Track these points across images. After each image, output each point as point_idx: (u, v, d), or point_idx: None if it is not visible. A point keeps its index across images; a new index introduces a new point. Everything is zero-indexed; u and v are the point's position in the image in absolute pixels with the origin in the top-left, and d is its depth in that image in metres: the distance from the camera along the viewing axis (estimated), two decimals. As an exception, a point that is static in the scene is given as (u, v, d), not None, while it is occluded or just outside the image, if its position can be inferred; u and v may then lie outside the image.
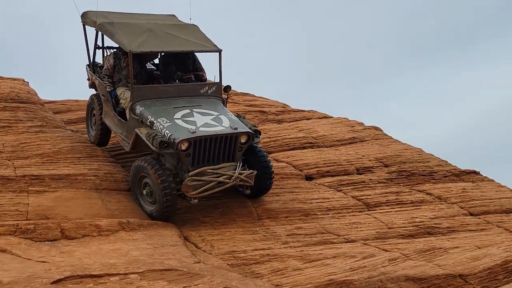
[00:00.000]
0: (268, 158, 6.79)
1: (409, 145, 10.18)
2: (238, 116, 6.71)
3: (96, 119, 7.62)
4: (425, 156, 9.59)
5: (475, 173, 9.29)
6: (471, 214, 7.58)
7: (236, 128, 6.27)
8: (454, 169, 9.24)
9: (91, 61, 7.77)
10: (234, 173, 6.23)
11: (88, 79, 7.92)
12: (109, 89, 7.10)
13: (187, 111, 6.47)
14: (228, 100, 7.24)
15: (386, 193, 7.83)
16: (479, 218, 7.49)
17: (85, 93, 8.32)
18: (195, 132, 6.04)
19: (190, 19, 7.45)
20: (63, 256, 4.88)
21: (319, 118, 10.98)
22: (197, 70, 7.44)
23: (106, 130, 7.48)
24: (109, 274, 4.52)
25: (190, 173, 6.04)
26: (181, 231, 6.07)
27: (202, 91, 6.92)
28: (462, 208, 7.69)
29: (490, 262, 5.93)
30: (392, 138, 10.50)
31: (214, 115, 6.51)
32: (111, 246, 5.23)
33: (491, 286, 5.64)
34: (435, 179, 8.67)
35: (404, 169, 8.76)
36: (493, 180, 9.23)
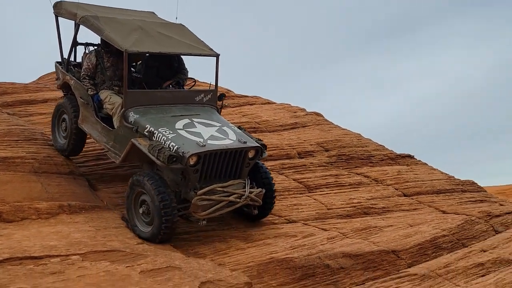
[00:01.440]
0: (271, 176, 6.24)
1: (348, 130, 10.53)
2: (239, 128, 6.17)
3: (69, 125, 6.69)
4: (364, 141, 9.95)
5: (410, 157, 9.75)
6: (404, 195, 7.96)
7: (245, 142, 5.70)
8: (390, 153, 9.65)
9: (67, 58, 6.84)
10: (244, 191, 5.69)
11: (58, 79, 7.01)
12: (92, 92, 6.28)
13: (188, 120, 5.86)
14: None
15: (326, 176, 8.08)
16: (412, 198, 7.88)
17: (24, 76, 7.80)
18: (204, 145, 5.40)
19: (176, 18, 6.84)
20: (1, 239, 4.77)
21: (262, 103, 11.13)
22: (181, 72, 6.85)
23: (82, 137, 6.68)
24: (50, 255, 4.49)
25: (200, 192, 5.38)
26: (124, 214, 6.04)
27: (198, 98, 6.32)
28: (397, 189, 8.06)
29: (421, 239, 6.29)
30: (332, 123, 10.82)
31: (217, 126, 5.93)
32: (52, 229, 5.15)
33: (421, 260, 5.99)
34: (373, 162, 9.03)
35: (344, 153, 9.06)
36: (425, 164, 9.73)
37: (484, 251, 6.34)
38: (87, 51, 6.83)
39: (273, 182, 6.20)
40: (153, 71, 6.74)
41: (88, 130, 6.40)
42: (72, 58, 6.97)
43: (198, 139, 5.46)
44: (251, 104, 10.89)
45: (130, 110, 5.85)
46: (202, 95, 6.35)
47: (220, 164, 5.55)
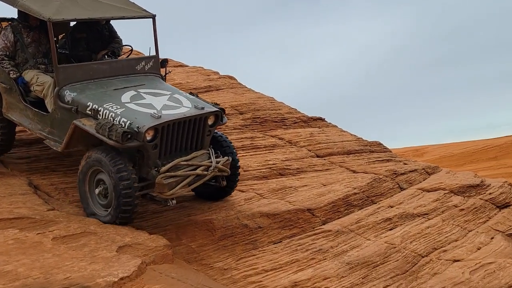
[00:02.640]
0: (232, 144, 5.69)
1: (262, 94, 10.59)
2: (191, 94, 5.65)
3: None
4: (277, 104, 10.07)
5: (321, 119, 10.02)
6: (317, 156, 8.19)
7: (203, 108, 5.15)
8: (303, 116, 9.85)
9: None
10: (211, 162, 5.13)
11: None
12: (14, 75, 5.46)
13: (133, 92, 5.23)
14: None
15: (241, 138, 8.10)
16: (324, 159, 8.13)
17: None
18: (160, 116, 4.81)
19: None
20: None
21: (174, 66, 10.86)
22: (114, 41, 6.21)
23: (11, 129, 5.79)
24: (-51, 225, 4.13)
25: (163, 169, 4.82)
26: (31, 180, 5.68)
27: (139, 67, 5.64)
28: (310, 150, 8.27)
29: (334, 197, 6.53)
30: (246, 87, 10.81)
31: (167, 94, 5.35)
32: (-51, 198, 4.75)
33: (334, 217, 6.23)
34: (286, 125, 9.18)
35: (258, 116, 9.12)
36: (336, 126, 10.06)
37: (391, 207, 6.71)
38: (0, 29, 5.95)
39: (235, 150, 5.69)
40: (81, 44, 6.03)
41: (17, 119, 5.56)
42: None
43: (151, 111, 4.90)
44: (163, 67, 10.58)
45: (65, 88, 5.13)
46: (143, 63, 5.69)
47: (180, 135, 5.01)
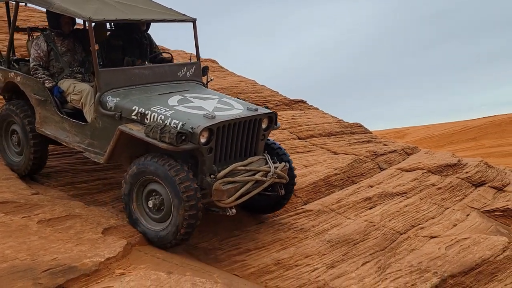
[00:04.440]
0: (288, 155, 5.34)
1: (244, 77, 10.65)
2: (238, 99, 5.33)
3: (23, 136, 5.33)
4: (259, 87, 10.14)
5: (303, 102, 10.13)
6: (299, 138, 8.31)
7: (256, 110, 4.79)
8: (285, 98, 9.95)
9: (7, 51, 5.54)
10: (269, 168, 4.77)
11: None
12: (50, 84, 5.12)
13: (180, 96, 4.89)
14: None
15: (223, 121, 8.15)
16: (306, 141, 8.25)
17: None
18: (214, 117, 4.42)
19: None
20: None
21: (156, 50, 10.82)
22: (154, 50, 5.95)
23: (45, 146, 5.36)
24: None
25: (220, 174, 4.44)
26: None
27: (180, 74, 5.34)
28: (292, 133, 8.38)
29: (315, 178, 6.65)
30: (228, 70, 10.86)
31: (215, 98, 5.01)
32: None
33: (315, 197, 6.36)
34: (268, 108, 9.25)
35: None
36: (317, 108, 10.18)
37: (371, 187, 6.87)
38: (31, 38, 5.67)
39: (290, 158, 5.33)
40: (117, 53, 5.64)
41: (52, 133, 5.16)
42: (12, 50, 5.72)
43: (203, 112, 4.52)
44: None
45: (106, 94, 4.78)
46: (185, 70, 5.39)
47: (234, 138, 4.63)
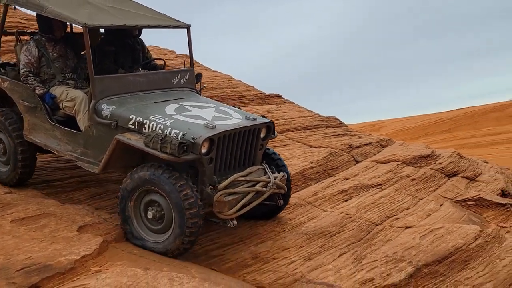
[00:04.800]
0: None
1: (219, 72, 10.63)
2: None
3: (9, 145, 5.14)
4: (234, 82, 10.14)
5: (278, 96, 10.17)
6: (275, 132, 8.33)
7: (255, 119, 4.71)
8: (260, 93, 9.98)
9: None
10: (269, 178, 4.72)
11: None
12: (41, 91, 4.97)
13: (176, 105, 4.78)
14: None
15: (199, 117, 8.14)
16: (282, 135, 8.29)
17: None
18: (215, 127, 4.33)
19: None
20: None
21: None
22: (147, 55, 5.83)
23: (33, 155, 5.20)
24: None
25: (221, 185, 4.36)
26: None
27: (175, 81, 5.21)
28: (268, 127, 8.40)
29: (291, 171, 6.67)
30: (203, 65, 10.82)
31: (212, 107, 4.93)
32: None
33: (292, 190, 6.39)
34: (244, 102, 9.28)
35: (216, 95, 9.17)
36: (293, 102, 10.23)
37: (347, 179, 6.94)
38: (19, 43, 5.46)
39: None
40: (108, 57, 5.50)
41: (42, 141, 4.99)
42: None
43: (202, 121, 4.44)
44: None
45: (101, 102, 4.64)
46: (179, 77, 5.25)
47: (234, 149, 4.56)
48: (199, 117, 4.55)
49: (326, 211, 5.94)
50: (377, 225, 5.72)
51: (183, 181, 4.12)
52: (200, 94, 5.46)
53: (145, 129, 4.40)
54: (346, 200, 6.32)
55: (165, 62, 5.88)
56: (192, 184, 4.19)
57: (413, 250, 5.09)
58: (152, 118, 4.43)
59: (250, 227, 5.39)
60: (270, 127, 4.89)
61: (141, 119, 4.44)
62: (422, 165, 7.74)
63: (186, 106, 4.78)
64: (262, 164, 4.92)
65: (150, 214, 4.30)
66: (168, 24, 5.22)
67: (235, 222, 4.47)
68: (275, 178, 4.78)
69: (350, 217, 5.77)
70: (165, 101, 4.86)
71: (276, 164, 5.14)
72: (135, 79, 4.99)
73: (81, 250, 3.88)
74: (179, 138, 4.21)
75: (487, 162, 9.48)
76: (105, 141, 4.56)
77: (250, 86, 10.29)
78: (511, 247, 5.31)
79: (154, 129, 4.36)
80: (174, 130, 4.29)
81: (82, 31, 4.61)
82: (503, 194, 7.41)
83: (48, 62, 5.13)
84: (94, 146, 4.68)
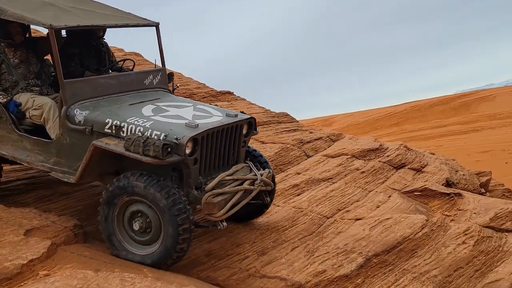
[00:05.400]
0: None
1: (169, 69, 10.50)
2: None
3: None
4: (185, 80, 10.08)
5: (230, 93, 10.18)
6: (227, 129, 8.34)
7: (236, 116, 4.58)
8: (212, 90, 9.95)
9: None
10: (255, 176, 4.58)
11: None
12: (4, 100, 4.70)
13: (152, 106, 4.58)
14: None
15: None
16: (234, 132, 8.29)
17: None
18: (197, 125, 4.16)
19: None
20: None
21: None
22: (112, 57, 5.62)
23: None
24: None
25: (208, 186, 4.20)
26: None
27: (147, 81, 4.98)
28: (220, 124, 8.40)
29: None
30: (152, 63, 10.66)
31: (189, 106, 4.75)
32: None
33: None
34: (195, 100, 9.21)
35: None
36: (244, 99, 10.26)
37: (298, 174, 7.04)
38: None
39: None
40: (73, 60, 5.20)
41: (10, 153, 4.72)
42: None
43: (183, 121, 4.26)
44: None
45: (73, 107, 4.40)
46: (151, 77, 5.05)
47: (217, 147, 4.41)
48: (179, 117, 4.38)
49: (278, 206, 6.00)
50: (328, 218, 5.83)
51: (169, 188, 3.95)
52: (173, 94, 5.30)
53: (123, 133, 4.21)
54: (298, 195, 6.41)
55: (134, 63, 5.70)
56: (178, 188, 4.02)
57: (363, 241, 5.22)
58: (130, 121, 4.23)
59: (203, 224, 5.39)
60: (251, 123, 4.78)
61: (118, 123, 4.24)
62: (371, 158, 7.93)
63: (163, 107, 4.59)
64: (246, 161, 4.80)
65: (136, 226, 4.11)
66: (136, 23, 5.02)
67: (225, 224, 4.32)
68: (261, 175, 4.66)
69: (302, 211, 5.86)
70: (140, 102, 4.66)
71: (259, 161, 5.01)
72: (107, 81, 4.75)
73: (28, 254, 3.78)
74: (161, 139, 4.02)
75: (433, 154, 9.82)
76: (79, 149, 4.34)
77: (201, 83, 10.25)
78: (456, 234, 5.53)
79: (133, 132, 4.17)
80: (155, 132, 4.10)
81: (41, 35, 4.43)
82: (448, 184, 7.70)
83: (9, 69, 4.85)
84: (68, 154, 4.44)
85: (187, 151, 4.06)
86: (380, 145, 8.43)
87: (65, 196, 5.40)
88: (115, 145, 4.10)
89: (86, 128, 4.33)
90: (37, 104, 4.70)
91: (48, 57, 5.47)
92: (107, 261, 4.07)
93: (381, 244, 5.17)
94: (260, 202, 5.02)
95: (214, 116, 4.52)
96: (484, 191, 8.74)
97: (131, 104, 4.61)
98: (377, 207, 6.27)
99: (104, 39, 5.62)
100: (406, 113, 36.36)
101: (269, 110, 9.96)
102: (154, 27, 5.10)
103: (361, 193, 6.67)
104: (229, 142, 4.54)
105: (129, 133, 4.17)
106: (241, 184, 4.46)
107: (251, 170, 4.71)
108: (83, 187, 5.64)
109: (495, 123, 27.98)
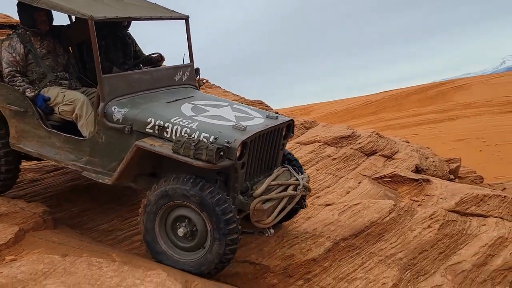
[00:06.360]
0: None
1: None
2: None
3: None
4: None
5: (204, 81, 10.18)
6: (201, 117, 8.36)
7: (276, 117, 4.39)
8: (186, 78, 9.93)
9: None
10: (297, 180, 4.43)
11: None
12: (32, 94, 4.41)
13: (189, 104, 4.38)
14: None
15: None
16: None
17: None
18: (245, 128, 3.97)
19: None
20: None
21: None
22: (136, 54, 5.33)
23: (18, 163, 4.76)
24: None
25: (257, 192, 4.05)
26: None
27: (177, 77, 4.78)
28: (193, 112, 8.42)
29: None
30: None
31: (226, 105, 4.54)
32: None
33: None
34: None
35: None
36: (219, 87, 10.28)
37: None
38: None
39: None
40: (100, 54, 4.70)
41: (36, 150, 4.48)
42: None
43: (229, 123, 4.06)
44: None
45: (111, 104, 4.16)
46: (181, 73, 4.83)
47: (261, 151, 4.24)
48: (222, 118, 4.18)
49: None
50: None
51: (219, 194, 3.78)
52: (199, 90, 5.11)
53: (167, 134, 3.98)
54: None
55: (161, 57, 5.36)
56: (228, 195, 3.89)
57: (332, 226, 5.32)
58: (175, 121, 4.00)
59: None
60: (290, 126, 4.58)
61: (161, 123, 4.01)
62: (343, 145, 8.05)
63: (201, 106, 4.39)
64: (285, 165, 4.64)
65: (181, 232, 3.93)
66: (169, 16, 4.75)
67: (272, 230, 4.17)
68: (302, 179, 4.52)
69: (273, 197, 5.92)
70: (176, 100, 4.45)
71: (293, 165, 4.80)
72: (140, 77, 4.50)
73: (-5, 240, 3.78)
74: (211, 142, 3.82)
75: (408, 142, 9.98)
76: (116, 148, 4.15)
77: (176, 71, 10.23)
78: (422, 219, 5.67)
79: (178, 133, 3.94)
80: (203, 134, 3.89)
81: (64, 25, 4.28)
82: (417, 170, 7.86)
83: (36, 60, 4.56)
84: (103, 153, 4.22)
85: (237, 154, 3.86)
86: (353, 133, 8.55)
87: (35, 183, 5.40)
88: (160, 147, 3.89)
89: (125, 127, 4.09)
90: (68, 99, 4.43)
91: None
92: (75, 246, 4.09)
93: (349, 228, 5.28)
94: (297, 207, 4.78)
95: (255, 118, 4.34)
96: (453, 177, 8.94)
97: (168, 102, 4.38)
98: (347, 193, 6.39)
99: (128, 31, 5.39)
100: (384, 102, 36.71)
101: (244, 97, 10.01)
102: (184, 20, 4.85)
103: (332, 179, 6.78)
104: (271, 145, 4.37)
105: (173, 134, 3.96)
106: (286, 189, 4.32)
107: (291, 175, 4.55)
108: (53, 173, 5.64)
109: (470, 111, 28.46)
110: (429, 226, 5.50)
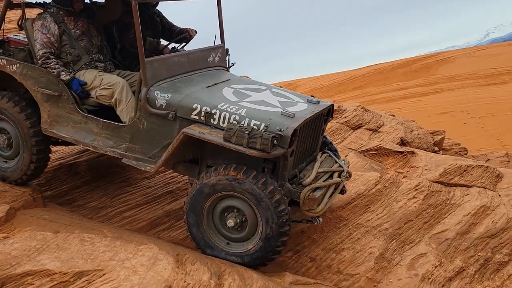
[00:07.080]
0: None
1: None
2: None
3: (18, 137, 4.44)
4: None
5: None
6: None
7: (318, 102, 4.28)
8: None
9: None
10: (341, 167, 4.37)
11: None
12: (67, 77, 4.22)
13: (229, 88, 4.23)
14: None
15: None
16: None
17: None
18: (294, 115, 3.84)
19: None
20: None
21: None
22: (165, 27, 5.20)
23: (48, 148, 4.56)
24: None
25: (307, 180, 3.95)
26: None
27: (210, 59, 4.64)
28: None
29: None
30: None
31: (265, 89, 4.39)
32: None
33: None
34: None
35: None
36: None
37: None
38: (25, 17, 4.49)
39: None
40: (130, 32, 4.75)
41: (70, 135, 4.31)
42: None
43: (276, 109, 3.94)
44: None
45: (153, 89, 4.01)
46: (214, 54, 4.69)
47: (308, 137, 4.16)
48: (268, 104, 4.05)
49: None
50: (286, 178, 6.00)
51: (272, 185, 3.67)
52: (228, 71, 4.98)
53: (214, 120, 3.85)
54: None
55: (190, 35, 5.15)
56: (279, 186, 3.81)
57: (319, 199, 5.41)
58: (222, 107, 3.87)
59: (164, 186, 5.50)
60: (330, 110, 4.47)
61: (208, 109, 3.86)
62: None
63: (241, 90, 4.24)
64: (324, 150, 4.59)
65: (231, 222, 3.81)
66: None
67: (321, 219, 4.09)
68: (344, 164, 4.49)
69: (261, 171, 6.00)
70: (215, 84, 4.31)
71: (329, 148, 4.71)
72: (179, 60, 4.36)
73: (-14, 219, 3.81)
74: (261, 129, 3.70)
75: (394, 116, 10.07)
76: (158, 135, 4.03)
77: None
78: (407, 190, 5.78)
79: (227, 120, 3.81)
80: (253, 121, 3.76)
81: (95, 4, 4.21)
82: (402, 143, 7.98)
83: (71, 41, 4.34)
84: (144, 140, 4.08)
85: (288, 142, 3.76)
86: (338, 107, 8.62)
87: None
88: (209, 135, 3.75)
89: (169, 113, 3.95)
90: (106, 83, 4.24)
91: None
92: (66, 223, 4.13)
93: (336, 201, 5.38)
94: (338, 194, 4.65)
95: (299, 103, 4.21)
96: (437, 149, 9.08)
97: (208, 87, 4.24)
98: (334, 166, 6.46)
99: (157, 8, 5.27)
100: (369, 76, 36.81)
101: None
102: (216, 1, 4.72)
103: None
104: (313, 131, 4.27)
105: (221, 121, 3.83)
106: (331, 176, 4.26)
107: (333, 160, 4.50)
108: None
109: (454, 84, 28.67)
110: (414, 197, 5.61)
